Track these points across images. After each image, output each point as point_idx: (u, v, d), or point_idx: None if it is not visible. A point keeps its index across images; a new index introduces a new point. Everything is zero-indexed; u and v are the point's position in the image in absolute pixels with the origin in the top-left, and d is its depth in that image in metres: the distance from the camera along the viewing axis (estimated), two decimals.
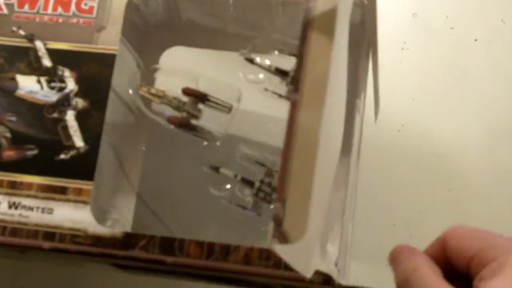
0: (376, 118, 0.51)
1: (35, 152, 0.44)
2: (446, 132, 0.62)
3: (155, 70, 0.50)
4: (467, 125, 0.63)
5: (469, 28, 0.66)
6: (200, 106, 0.48)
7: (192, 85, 0.49)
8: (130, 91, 0.48)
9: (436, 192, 0.63)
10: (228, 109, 0.48)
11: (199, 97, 0.48)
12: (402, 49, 0.66)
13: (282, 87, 0.47)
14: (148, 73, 0.50)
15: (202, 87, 0.48)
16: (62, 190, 0.44)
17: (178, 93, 0.48)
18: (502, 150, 0.62)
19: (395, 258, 0.35)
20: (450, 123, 0.63)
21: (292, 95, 0.31)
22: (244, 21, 0.52)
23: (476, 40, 0.65)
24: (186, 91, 0.48)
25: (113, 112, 0.46)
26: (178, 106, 0.47)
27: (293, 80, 0.31)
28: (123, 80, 0.49)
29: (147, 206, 0.50)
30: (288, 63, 0.48)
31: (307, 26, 0.31)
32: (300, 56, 0.31)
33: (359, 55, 0.47)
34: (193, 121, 0.47)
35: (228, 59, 0.53)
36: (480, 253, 0.32)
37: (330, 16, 0.31)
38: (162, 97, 0.47)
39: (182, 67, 0.53)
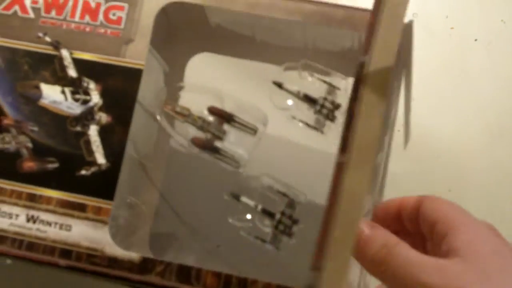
0: (405, 145, 0.50)
1: (56, 165, 0.44)
2: (446, 132, 0.62)
3: (181, 88, 0.49)
4: (467, 125, 0.62)
5: (469, 28, 0.65)
6: (225, 127, 0.47)
7: (217, 104, 0.47)
8: (158, 117, 0.47)
9: (436, 192, 0.63)
10: (253, 131, 0.47)
11: (224, 117, 0.47)
12: None
13: (310, 115, 0.46)
14: (173, 90, 0.49)
15: (228, 107, 0.47)
16: (81, 207, 0.43)
17: (203, 112, 0.47)
18: (502, 150, 0.62)
19: (359, 238, 0.34)
20: (450, 123, 0.62)
21: (339, 156, 0.29)
22: (274, 31, 0.50)
23: (476, 40, 0.64)
24: (212, 110, 0.47)
25: (137, 126, 0.45)
26: (202, 126, 0.46)
27: (341, 139, 0.29)
28: (149, 93, 0.47)
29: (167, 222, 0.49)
30: (318, 89, 0.47)
31: (359, 81, 0.30)
32: (351, 113, 0.30)
33: (393, 79, 0.46)
34: (217, 144, 0.46)
35: (256, 71, 0.52)
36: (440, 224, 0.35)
37: (385, 73, 0.30)
38: (187, 116, 0.46)
39: (208, 78, 0.52)
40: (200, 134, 0.47)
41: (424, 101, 0.62)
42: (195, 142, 0.46)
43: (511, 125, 0.62)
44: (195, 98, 0.48)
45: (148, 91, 0.47)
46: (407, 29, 0.44)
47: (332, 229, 0.28)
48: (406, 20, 0.66)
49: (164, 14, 0.47)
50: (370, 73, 0.29)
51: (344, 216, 0.28)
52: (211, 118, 0.47)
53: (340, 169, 0.29)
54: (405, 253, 0.33)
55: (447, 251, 0.33)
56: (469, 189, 0.60)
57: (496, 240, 0.34)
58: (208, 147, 0.46)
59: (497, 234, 0.35)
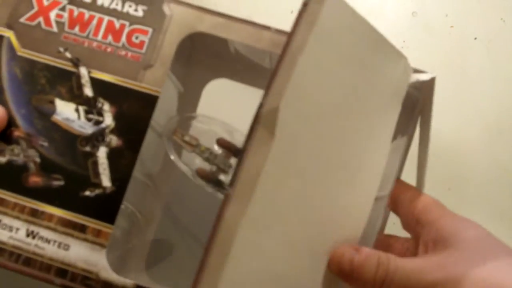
0: None
1: (61, 183, 0.44)
2: (446, 131, 0.63)
3: (193, 118, 0.49)
4: (466, 124, 0.63)
5: (468, 27, 0.66)
6: (232, 161, 0.47)
7: (227, 136, 0.47)
8: (166, 144, 0.47)
9: (436, 192, 0.63)
10: None
11: (232, 151, 0.47)
12: (402, 47, 0.66)
13: None
14: (185, 118, 0.49)
15: (237, 141, 0.47)
16: (82, 228, 0.43)
17: (212, 143, 0.47)
18: (501, 149, 0.63)
19: (350, 267, 0.35)
20: (450, 122, 0.63)
21: (228, 188, 0.31)
22: None
23: (475, 38, 0.66)
24: (221, 142, 0.47)
25: (147, 150, 0.45)
26: (208, 158, 0.46)
27: (233, 173, 0.31)
28: (162, 120, 0.47)
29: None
30: None
31: (255, 119, 0.31)
32: (243, 150, 0.31)
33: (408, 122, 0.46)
34: (221, 177, 0.46)
35: None
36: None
37: (274, 114, 0.31)
38: (195, 146, 0.46)
39: (223, 104, 0.52)
40: (206, 166, 0.47)
41: None
42: (200, 173, 0.46)
43: (510, 124, 0.63)
44: (206, 127, 0.48)
45: (162, 117, 0.47)
46: (430, 83, 0.44)
47: (209, 257, 0.30)
48: (407, 19, 0.67)
49: (186, 42, 0.47)
50: (262, 113, 0.31)
51: (219, 244, 0.30)
52: (218, 151, 0.47)
53: (224, 201, 0.31)
54: (401, 264, 0.35)
55: (434, 240, 0.36)
56: (469, 189, 0.62)
57: (476, 225, 0.36)
58: (212, 179, 0.46)
59: (471, 220, 0.37)
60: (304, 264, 0.35)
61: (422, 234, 0.38)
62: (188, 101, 0.54)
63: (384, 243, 0.44)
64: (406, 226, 0.42)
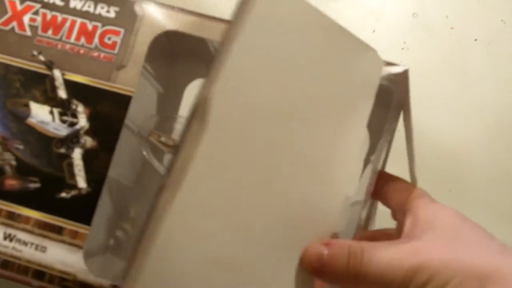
0: None
1: (37, 185, 0.44)
2: (446, 132, 0.63)
3: (170, 118, 0.49)
4: (466, 124, 0.63)
5: (469, 28, 0.66)
6: None
7: None
8: (142, 147, 0.47)
9: (436, 192, 0.63)
10: None
11: None
12: (402, 49, 0.66)
13: None
14: (166, 119, 0.49)
15: None
16: (58, 230, 0.43)
17: None
18: (501, 150, 0.63)
19: (320, 262, 0.34)
20: (450, 123, 0.63)
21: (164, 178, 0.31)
22: None
23: (476, 40, 0.65)
24: None
25: (121, 150, 0.46)
26: None
27: (168, 165, 0.31)
28: (139, 119, 0.48)
29: None
30: None
31: (191, 112, 0.31)
32: (180, 141, 0.31)
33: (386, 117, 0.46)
34: None
35: None
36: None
37: (206, 103, 0.31)
38: (171, 147, 0.46)
39: None
40: None
41: (424, 101, 0.63)
42: None
43: (510, 125, 0.63)
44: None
45: (138, 117, 0.47)
46: (403, 75, 0.44)
47: (140, 241, 0.30)
48: (407, 20, 0.67)
49: (160, 41, 0.47)
50: (197, 104, 0.31)
51: (149, 229, 0.30)
52: None
53: (159, 190, 0.31)
54: (375, 252, 0.33)
55: (412, 227, 0.36)
56: (469, 190, 0.61)
57: (453, 211, 0.36)
58: None
59: (448, 207, 0.37)
60: (262, 255, 0.35)
61: (405, 222, 0.38)
62: (169, 102, 0.54)
63: (372, 237, 0.43)
64: (394, 216, 0.42)
